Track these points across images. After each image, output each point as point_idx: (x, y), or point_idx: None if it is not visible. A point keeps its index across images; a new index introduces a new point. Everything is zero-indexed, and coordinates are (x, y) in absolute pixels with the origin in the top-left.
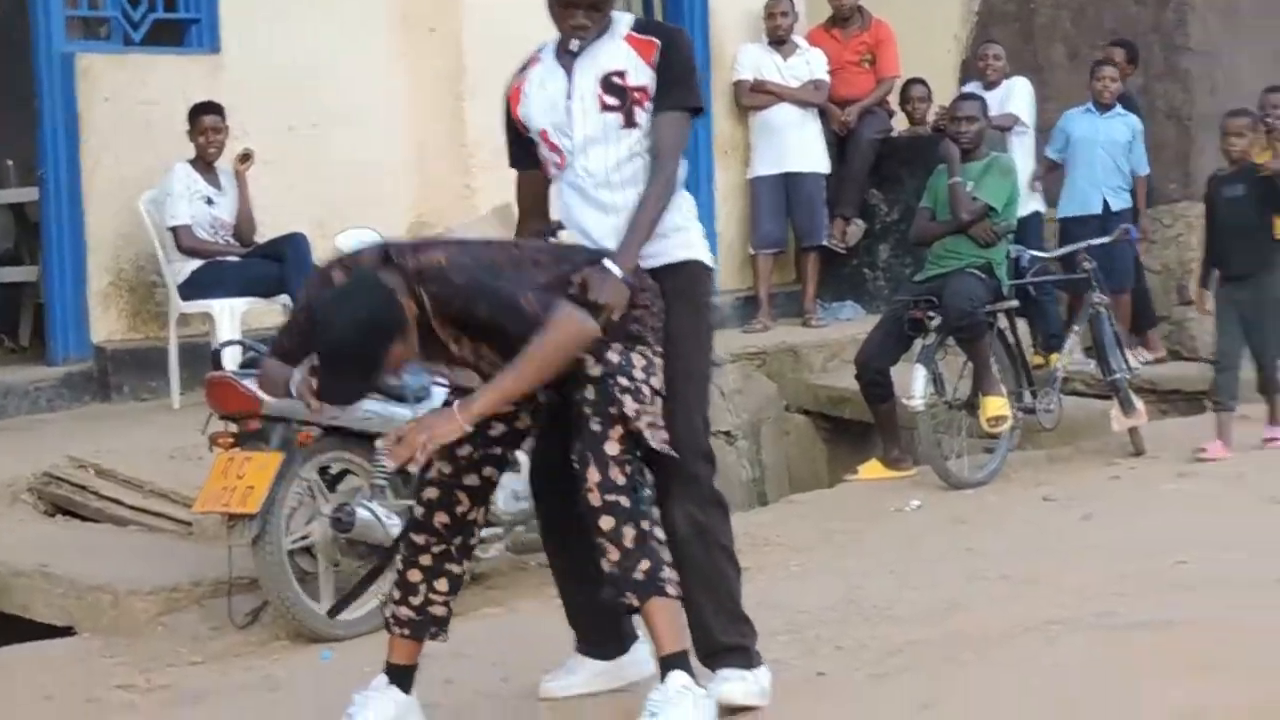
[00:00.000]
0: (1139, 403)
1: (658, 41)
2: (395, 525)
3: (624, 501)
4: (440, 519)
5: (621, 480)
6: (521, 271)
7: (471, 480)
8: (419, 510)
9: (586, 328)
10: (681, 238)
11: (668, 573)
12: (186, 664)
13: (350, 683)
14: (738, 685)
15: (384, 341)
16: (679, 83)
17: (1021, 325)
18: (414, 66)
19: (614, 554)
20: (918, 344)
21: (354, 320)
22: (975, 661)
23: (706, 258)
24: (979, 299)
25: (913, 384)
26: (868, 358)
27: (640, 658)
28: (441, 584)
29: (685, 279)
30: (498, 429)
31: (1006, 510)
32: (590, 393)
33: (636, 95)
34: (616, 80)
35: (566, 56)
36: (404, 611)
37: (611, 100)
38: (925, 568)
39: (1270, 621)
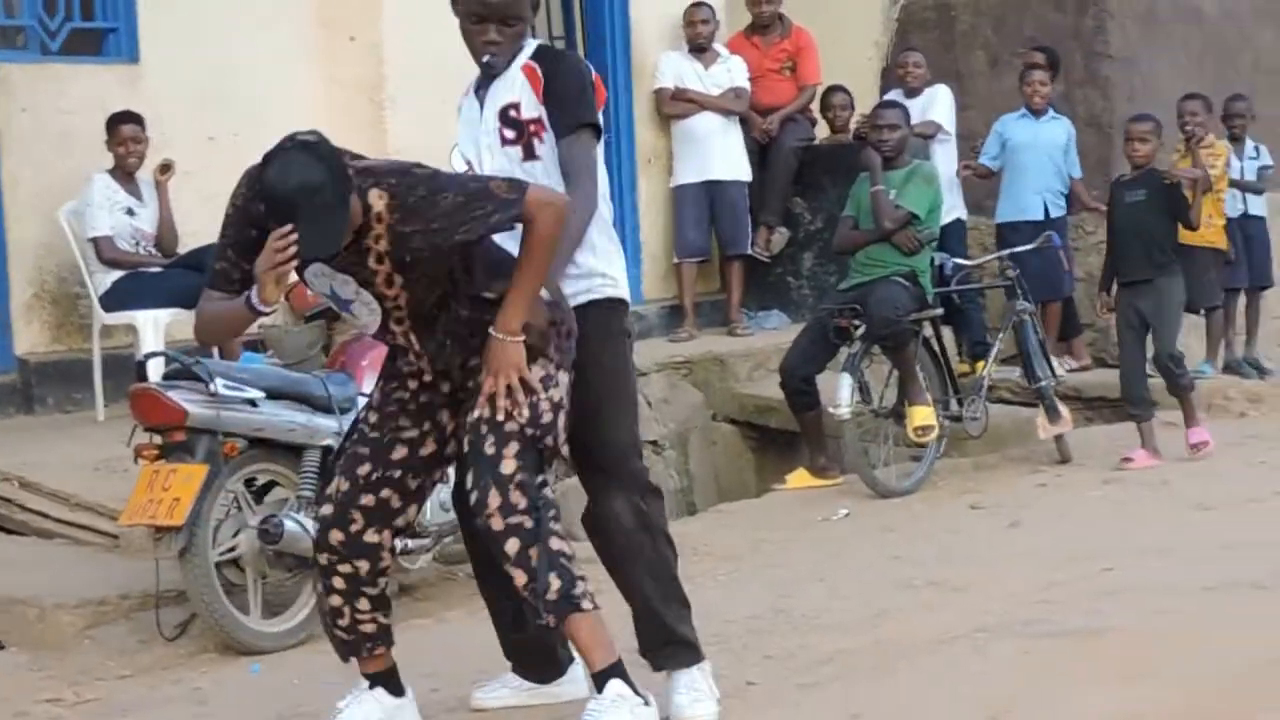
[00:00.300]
0: (1064, 410)
1: (539, 73)
2: None
3: (526, 523)
4: (335, 536)
5: (523, 503)
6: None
7: (367, 500)
8: (315, 528)
9: (560, 202)
10: (604, 279)
11: (580, 587)
12: (115, 677)
13: (279, 695)
14: (703, 706)
15: (345, 176)
16: (569, 103)
17: (947, 334)
18: (334, 75)
19: (521, 578)
20: (843, 352)
21: (314, 156)
22: (904, 670)
23: (626, 295)
24: (904, 307)
25: (838, 392)
26: (792, 366)
27: (576, 677)
28: (362, 604)
29: (605, 315)
30: (399, 453)
31: (934, 518)
32: (486, 411)
33: (532, 128)
34: (513, 114)
35: (482, 89)
36: (338, 634)
37: (510, 134)
38: (853, 576)
39: (1196, 628)
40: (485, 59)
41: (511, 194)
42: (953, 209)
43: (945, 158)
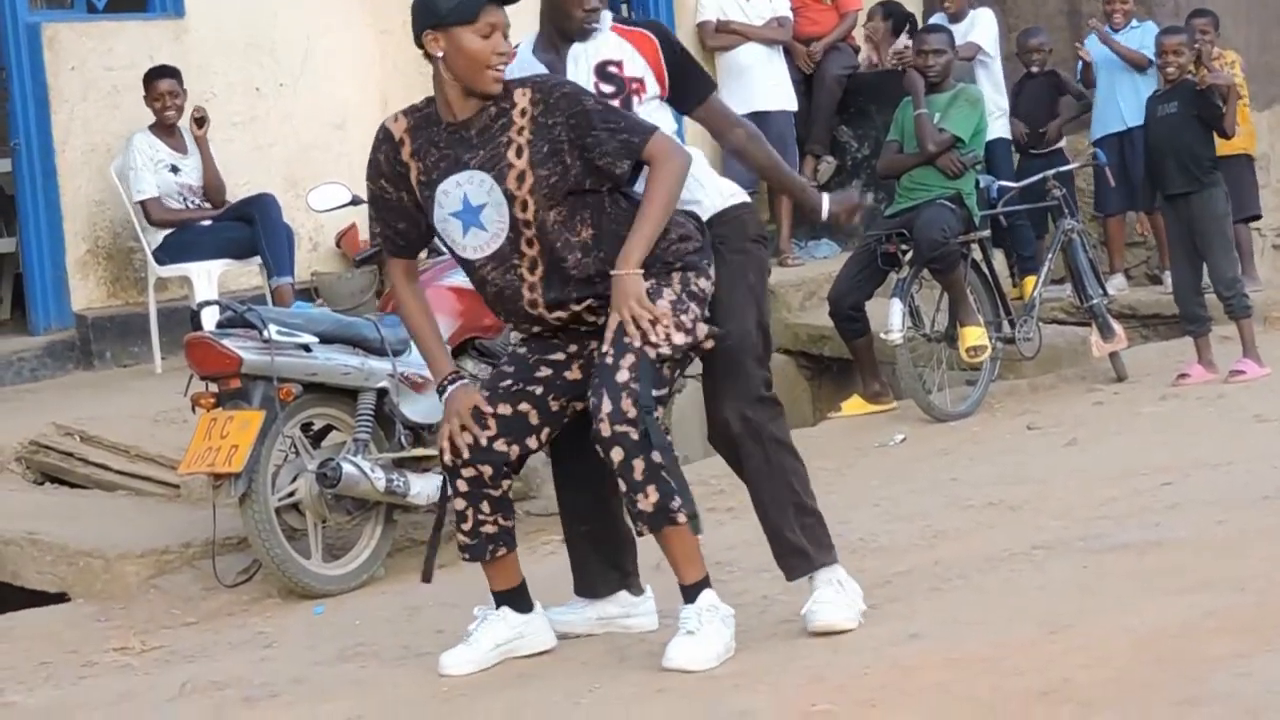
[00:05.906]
0: (1118, 327)
1: (653, 38)
2: (380, 479)
3: (632, 434)
4: (465, 439)
5: (631, 412)
6: None
7: (504, 409)
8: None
9: (685, 157)
10: (729, 194)
11: (677, 502)
12: (180, 625)
13: (343, 636)
14: (829, 613)
15: None
16: (698, 72)
17: (998, 256)
18: (376, 17)
19: (623, 485)
20: (892, 278)
21: None
22: (962, 588)
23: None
24: (951, 229)
25: (890, 318)
26: (840, 295)
27: (648, 609)
28: (485, 506)
29: (736, 222)
30: (543, 371)
31: (990, 440)
32: (611, 331)
33: (634, 85)
34: (613, 70)
35: (550, 51)
36: (462, 538)
37: (607, 88)
38: (911, 499)
39: (1256, 537)
40: (589, 27)
41: (647, 125)
42: (996, 129)
43: (989, 80)
